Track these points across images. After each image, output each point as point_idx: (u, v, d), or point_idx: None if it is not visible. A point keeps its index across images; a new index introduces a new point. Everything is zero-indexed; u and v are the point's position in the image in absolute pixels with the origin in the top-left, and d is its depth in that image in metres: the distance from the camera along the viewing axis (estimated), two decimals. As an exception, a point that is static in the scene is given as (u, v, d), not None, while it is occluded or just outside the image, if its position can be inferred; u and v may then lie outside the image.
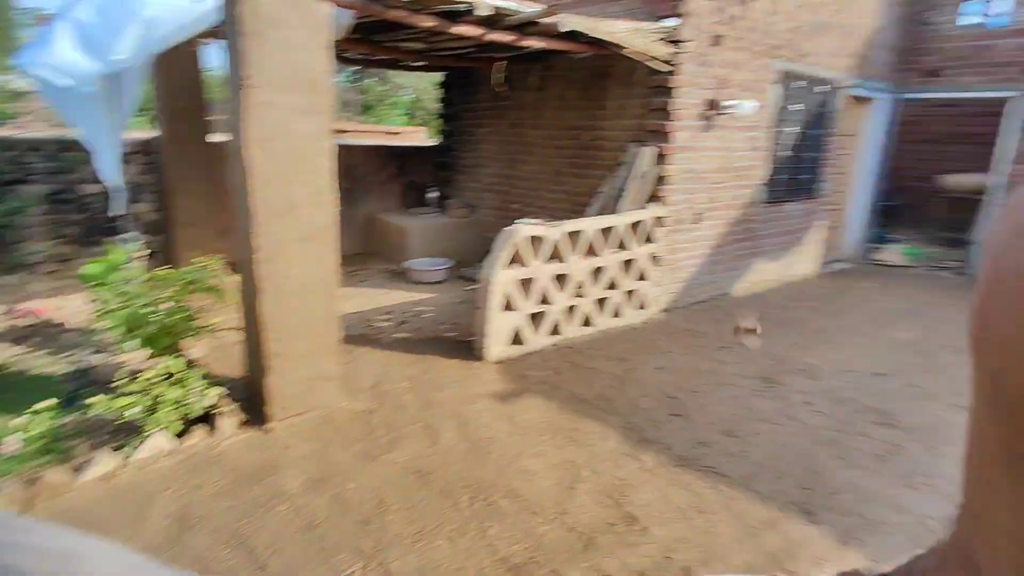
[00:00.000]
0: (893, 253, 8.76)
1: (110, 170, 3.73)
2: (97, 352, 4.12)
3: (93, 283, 3.71)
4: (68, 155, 5.22)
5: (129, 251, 3.85)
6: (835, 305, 6.29)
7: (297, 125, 2.91)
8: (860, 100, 7.63)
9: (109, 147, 3.66)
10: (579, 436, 3.34)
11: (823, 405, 3.88)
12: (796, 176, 6.71)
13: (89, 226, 5.46)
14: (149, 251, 4.41)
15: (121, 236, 4.60)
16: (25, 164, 5.05)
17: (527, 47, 4.27)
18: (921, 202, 11.30)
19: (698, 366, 4.43)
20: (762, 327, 5.35)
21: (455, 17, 3.62)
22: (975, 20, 7.55)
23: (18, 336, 4.46)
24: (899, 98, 8.10)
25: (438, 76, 7.87)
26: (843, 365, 4.58)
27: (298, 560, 2.33)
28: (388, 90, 21.15)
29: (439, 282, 6.24)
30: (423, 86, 21.51)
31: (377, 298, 5.68)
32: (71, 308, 5.06)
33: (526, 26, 3.92)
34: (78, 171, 5.32)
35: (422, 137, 15.80)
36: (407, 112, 21.85)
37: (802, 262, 7.41)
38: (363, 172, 7.15)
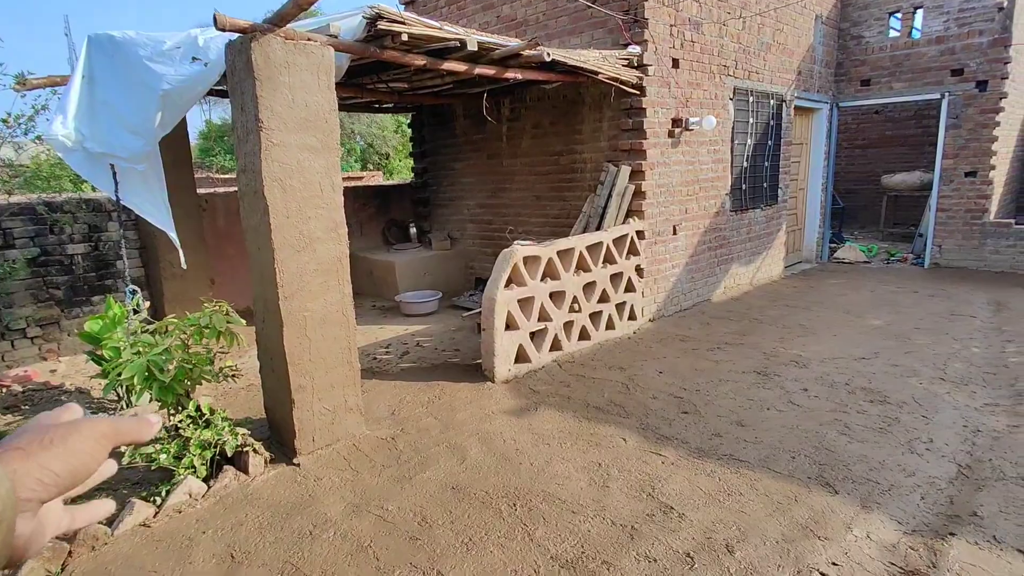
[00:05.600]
0: (850, 250, 9.28)
1: (166, 225, 4.07)
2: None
3: (95, 341, 3.69)
4: (53, 216, 5.17)
5: (132, 304, 3.85)
6: (807, 302, 6.63)
7: (310, 163, 3.04)
8: (805, 111, 8.19)
9: (163, 209, 4.03)
10: (600, 440, 3.46)
11: (818, 390, 4.11)
12: (757, 185, 7.13)
13: (74, 287, 5.37)
14: (148, 303, 4.38)
15: (121, 290, 4.55)
16: (7, 229, 4.98)
17: (508, 79, 4.52)
18: (866, 202, 12.06)
19: (695, 366, 4.63)
20: (746, 327, 5.62)
21: (443, 55, 3.83)
22: (898, 32, 8.26)
23: (11, 404, 4.33)
24: (840, 106, 8.71)
25: (401, 119, 8.09)
26: (828, 354, 4.85)
27: (356, 581, 2.36)
28: (342, 139, 21.38)
29: (431, 313, 6.33)
30: (375, 132, 21.91)
31: (374, 333, 5.73)
32: (63, 370, 4.95)
33: (508, 59, 4.17)
34: (62, 233, 5.27)
35: (381, 180, 16.04)
36: (360, 158, 22.14)
37: (770, 265, 7.80)
38: (346, 213, 7.24)
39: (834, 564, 2.36)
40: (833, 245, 9.54)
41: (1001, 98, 7.47)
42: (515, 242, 4.57)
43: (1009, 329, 5.40)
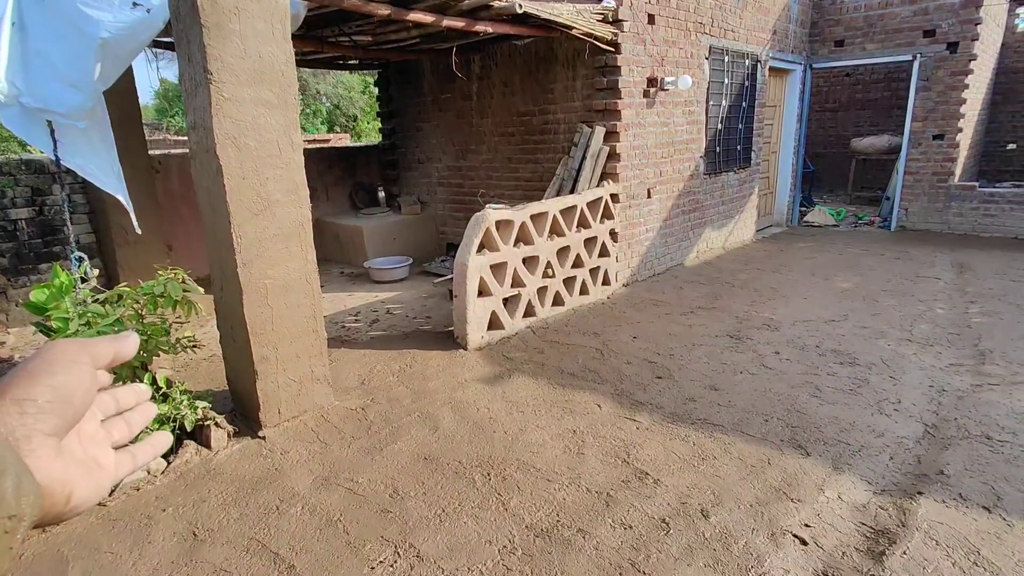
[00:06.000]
0: (819, 214, 9.36)
1: (115, 188, 3.75)
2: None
3: (42, 311, 3.47)
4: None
5: (80, 272, 3.61)
6: (778, 265, 6.67)
7: (266, 119, 2.83)
8: (779, 72, 8.10)
9: (110, 170, 3.69)
10: (574, 406, 3.42)
11: (789, 353, 4.14)
12: (731, 147, 7.07)
13: (19, 254, 5.06)
14: (97, 271, 4.13)
15: (68, 257, 4.28)
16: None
17: (478, 32, 4.30)
18: (834, 166, 12.16)
19: (669, 331, 4.61)
20: (719, 291, 5.63)
21: (409, 3, 3.60)
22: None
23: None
24: (812, 67, 8.64)
25: (369, 78, 7.75)
26: (798, 316, 4.89)
27: (325, 556, 2.28)
28: (307, 99, 20.62)
29: (402, 279, 6.18)
30: (341, 93, 21.14)
31: (343, 300, 5.57)
32: (12, 342, 4.69)
33: (478, 11, 3.95)
34: (3, 197, 4.92)
35: (348, 143, 15.52)
36: (327, 120, 21.41)
37: (742, 229, 7.81)
38: (309, 176, 6.94)
39: (807, 526, 2.37)
40: (803, 209, 9.61)
41: (971, 60, 7.49)
42: (487, 206, 4.43)
43: (971, 290, 5.52)
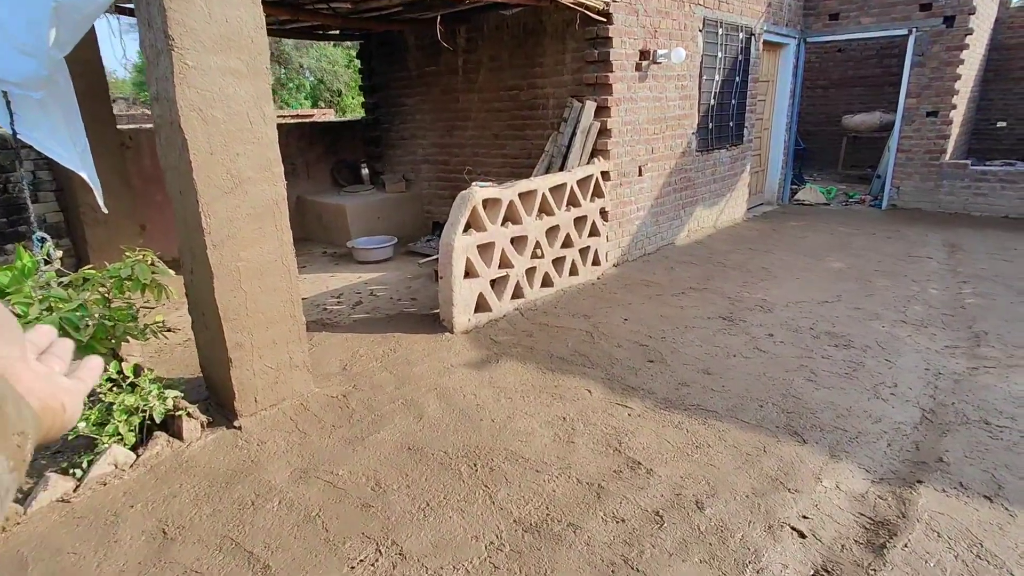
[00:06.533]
0: (811, 192, 9.27)
1: (77, 164, 3.40)
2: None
3: (2, 294, 3.27)
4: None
5: (43, 253, 3.41)
6: (770, 245, 6.58)
7: (235, 90, 2.63)
8: (773, 46, 7.92)
9: (70, 145, 3.35)
10: (564, 392, 3.32)
11: (783, 335, 4.05)
12: (723, 124, 6.91)
13: (-20, 234, 4.82)
14: (61, 252, 3.93)
15: (31, 238, 4.07)
16: None
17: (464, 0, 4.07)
18: (825, 143, 12.04)
19: (661, 313, 4.51)
20: (711, 271, 5.52)
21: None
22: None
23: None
24: (806, 41, 8.46)
25: (353, 51, 7.45)
26: (791, 298, 4.80)
27: (302, 555, 2.17)
28: (290, 73, 20.06)
29: (386, 260, 6.01)
30: (325, 67, 20.58)
31: (325, 282, 5.39)
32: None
33: (462, -24, 3.73)
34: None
35: (332, 117, 15.10)
36: (311, 95, 20.86)
37: (733, 207, 7.69)
38: (289, 153, 6.70)
39: (805, 517, 2.29)
40: (794, 187, 9.51)
41: (967, 34, 7.35)
42: (473, 184, 4.26)
43: (964, 271, 5.46)
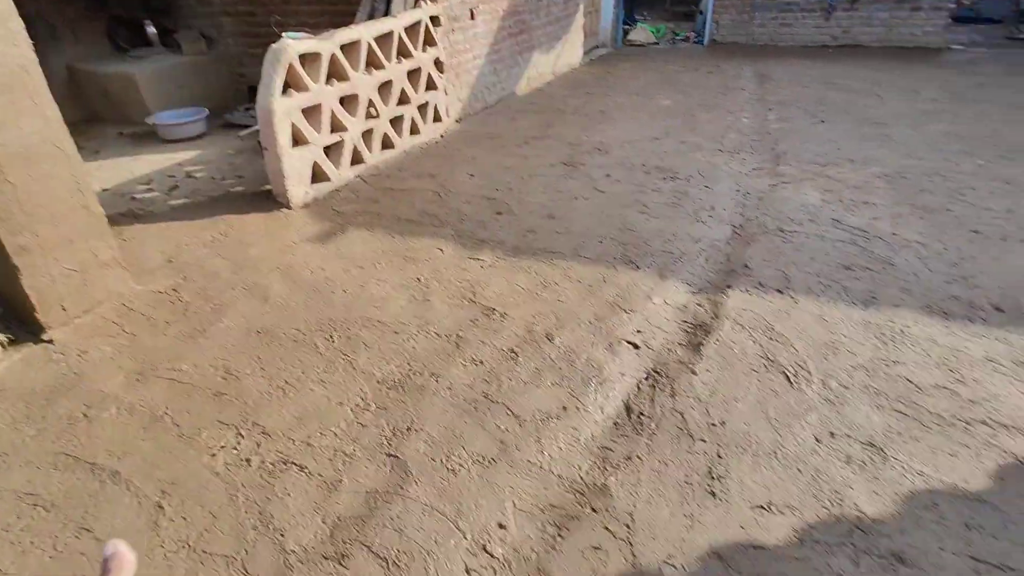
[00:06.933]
0: (641, 32, 9.40)
1: None
2: None
3: None
4: None
5: None
6: (605, 88, 6.70)
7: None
8: None
9: None
10: (415, 254, 3.29)
11: (619, 174, 4.27)
12: (554, -42, 6.57)
13: None
14: None
15: None
16: None
17: None
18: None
19: (505, 164, 4.51)
20: (551, 118, 5.55)
21: None
22: None
23: None
24: None
25: None
26: (625, 138, 5.01)
27: (155, 454, 2.06)
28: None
29: (199, 136, 5.27)
30: None
31: (127, 168, 4.64)
32: None
33: None
34: None
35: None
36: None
37: (570, 52, 7.61)
38: (40, 8, 5.35)
39: (639, 332, 2.57)
40: (626, 27, 9.56)
41: None
42: (284, 35, 3.74)
43: (770, 99, 6.01)
